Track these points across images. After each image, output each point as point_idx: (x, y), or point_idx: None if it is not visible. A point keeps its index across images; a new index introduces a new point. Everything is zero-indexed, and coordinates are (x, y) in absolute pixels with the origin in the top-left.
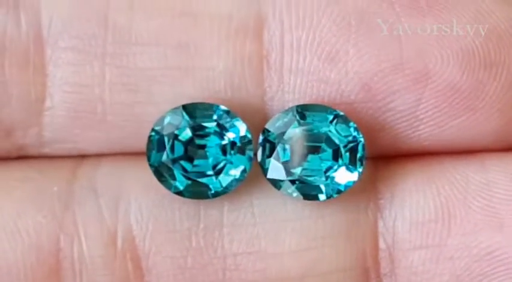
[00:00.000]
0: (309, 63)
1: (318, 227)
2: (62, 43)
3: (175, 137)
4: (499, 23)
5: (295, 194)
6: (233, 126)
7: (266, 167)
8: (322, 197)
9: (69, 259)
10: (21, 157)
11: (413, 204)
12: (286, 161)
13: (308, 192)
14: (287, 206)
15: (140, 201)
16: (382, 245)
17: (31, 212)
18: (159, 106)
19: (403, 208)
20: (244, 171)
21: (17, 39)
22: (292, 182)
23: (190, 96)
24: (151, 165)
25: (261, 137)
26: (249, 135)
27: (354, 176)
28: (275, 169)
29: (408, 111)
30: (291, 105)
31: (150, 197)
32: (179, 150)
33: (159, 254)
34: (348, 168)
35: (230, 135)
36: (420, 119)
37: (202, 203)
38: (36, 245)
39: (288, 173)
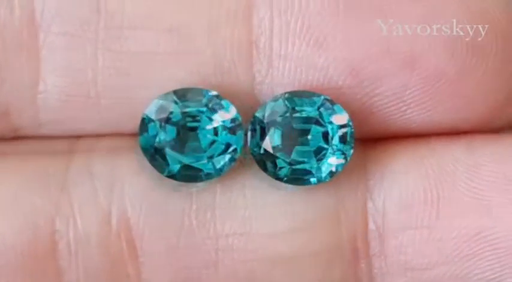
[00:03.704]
0: (297, 49)
1: (309, 209)
2: (55, 28)
3: (167, 120)
4: (488, 9)
5: (285, 179)
6: (223, 109)
7: (256, 151)
8: (313, 180)
9: (65, 240)
10: (18, 138)
11: (403, 185)
12: (277, 146)
13: (299, 176)
14: (278, 189)
15: (134, 183)
16: (371, 225)
17: (27, 193)
18: (151, 90)
19: (392, 189)
20: (235, 151)
21: (10, 23)
22: (283, 167)
23: (181, 80)
24: (143, 149)
25: (251, 122)
26: (239, 118)
27: (343, 159)
28: (265, 154)
29: (395, 96)
30: (279, 89)
31: (144, 179)
32: (171, 133)
33: (153, 234)
34: (337, 152)
35: (220, 118)
36: (407, 103)
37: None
38: (32, 226)
39: (278, 157)
